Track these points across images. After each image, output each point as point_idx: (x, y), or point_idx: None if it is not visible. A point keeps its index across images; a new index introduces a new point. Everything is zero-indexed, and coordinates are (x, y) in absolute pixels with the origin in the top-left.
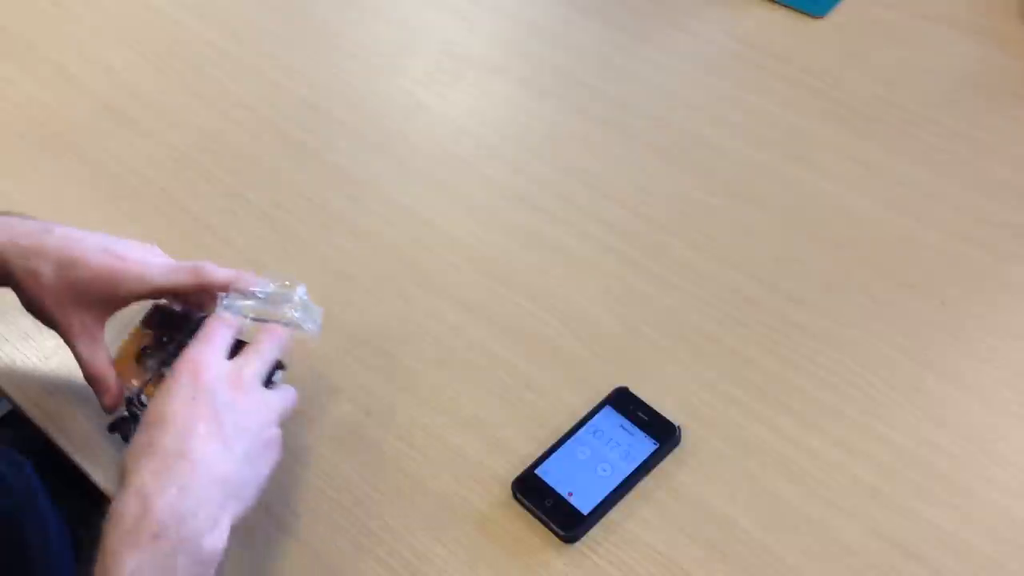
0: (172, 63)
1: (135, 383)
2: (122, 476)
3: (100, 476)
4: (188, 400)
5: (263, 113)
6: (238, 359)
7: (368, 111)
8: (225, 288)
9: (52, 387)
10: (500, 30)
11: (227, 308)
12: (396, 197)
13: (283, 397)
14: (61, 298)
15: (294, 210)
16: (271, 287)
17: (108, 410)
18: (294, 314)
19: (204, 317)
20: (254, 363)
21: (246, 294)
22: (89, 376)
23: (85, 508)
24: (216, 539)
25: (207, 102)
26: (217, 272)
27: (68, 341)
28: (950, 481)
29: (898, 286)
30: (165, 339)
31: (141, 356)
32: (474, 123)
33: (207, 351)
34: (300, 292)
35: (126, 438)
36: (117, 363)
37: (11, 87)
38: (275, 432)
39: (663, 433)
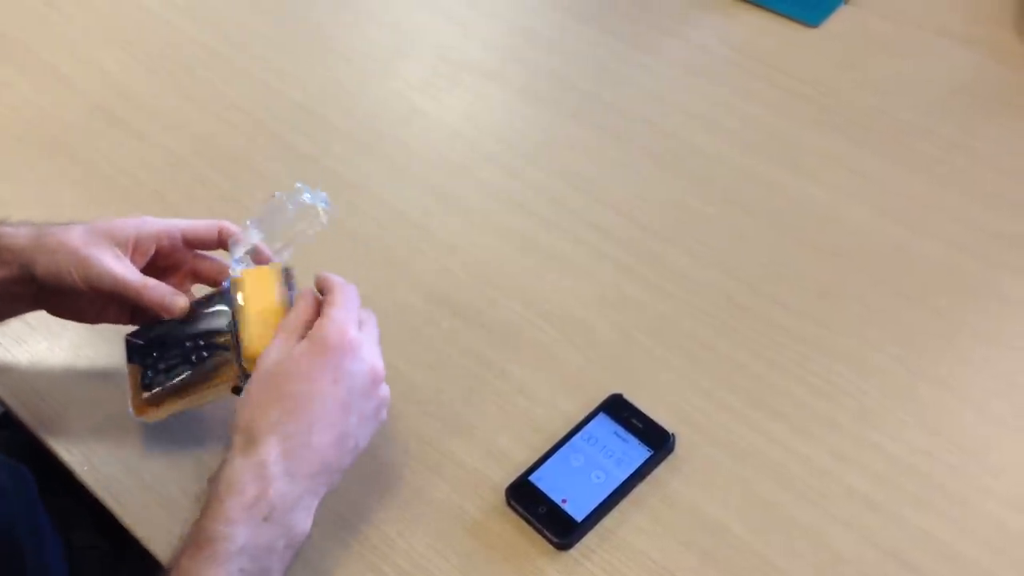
0: (165, 65)
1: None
2: (248, 438)
3: (90, 478)
4: (329, 383)
5: (257, 116)
6: (367, 334)
7: (363, 115)
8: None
9: (44, 390)
10: (495, 35)
11: (240, 263)
12: (391, 201)
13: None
14: (92, 238)
15: None
16: (261, 213)
17: (179, 311)
18: (305, 197)
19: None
20: (375, 336)
21: (241, 240)
22: (139, 288)
23: (77, 512)
24: (308, 523)
25: (200, 105)
26: (231, 227)
27: (108, 273)
28: (944, 490)
29: (892, 295)
30: (155, 354)
31: (141, 387)
32: (469, 128)
33: (347, 328)
34: (296, 189)
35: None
36: (135, 402)
37: (6, 89)
38: (384, 415)
39: (657, 440)
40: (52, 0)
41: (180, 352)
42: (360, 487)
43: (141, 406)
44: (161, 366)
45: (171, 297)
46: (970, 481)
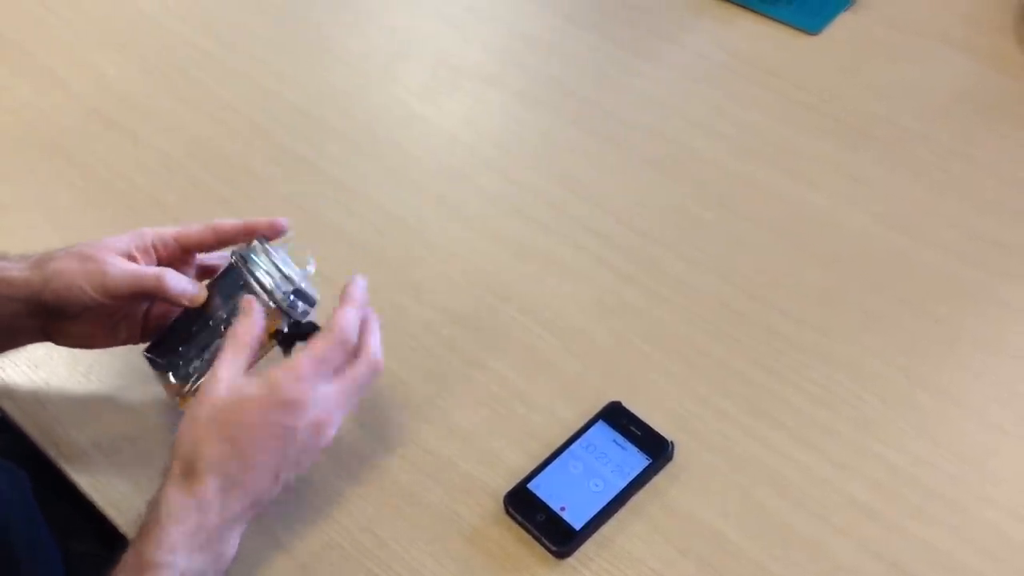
0: (161, 68)
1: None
2: (189, 469)
3: (88, 485)
4: (266, 425)
5: (254, 119)
6: (317, 368)
7: (361, 119)
8: (238, 236)
9: (44, 397)
10: (495, 40)
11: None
12: (388, 206)
13: (348, 399)
14: (95, 251)
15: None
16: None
17: (202, 297)
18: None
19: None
20: (330, 381)
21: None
22: (159, 276)
23: (76, 519)
24: (234, 549)
25: (196, 107)
26: (225, 223)
27: (125, 273)
28: (944, 499)
29: (892, 302)
30: (180, 349)
31: (179, 382)
32: (468, 133)
33: (304, 384)
34: (310, 267)
35: None
36: (179, 398)
37: (4, 92)
38: (320, 449)
39: (656, 448)
40: (48, 2)
41: (206, 334)
42: (357, 493)
43: (188, 399)
44: (191, 355)
45: (190, 284)
46: (970, 490)
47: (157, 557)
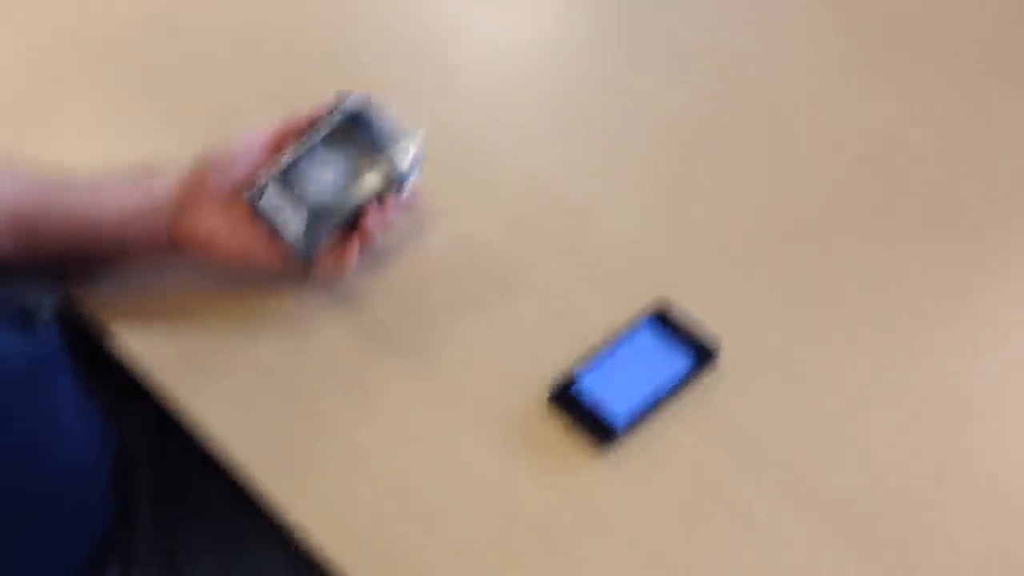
0: None
1: None
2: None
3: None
4: None
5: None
6: None
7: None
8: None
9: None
10: None
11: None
12: (443, 119)
13: None
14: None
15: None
16: None
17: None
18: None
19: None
20: None
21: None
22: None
23: (120, 404)
24: None
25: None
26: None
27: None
28: (995, 414)
29: (949, 217)
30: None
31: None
32: (518, 40)
33: None
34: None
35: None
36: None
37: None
38: None
39: (701, 350)
40: None
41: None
42: (404, 384)
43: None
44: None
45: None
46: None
47: None
